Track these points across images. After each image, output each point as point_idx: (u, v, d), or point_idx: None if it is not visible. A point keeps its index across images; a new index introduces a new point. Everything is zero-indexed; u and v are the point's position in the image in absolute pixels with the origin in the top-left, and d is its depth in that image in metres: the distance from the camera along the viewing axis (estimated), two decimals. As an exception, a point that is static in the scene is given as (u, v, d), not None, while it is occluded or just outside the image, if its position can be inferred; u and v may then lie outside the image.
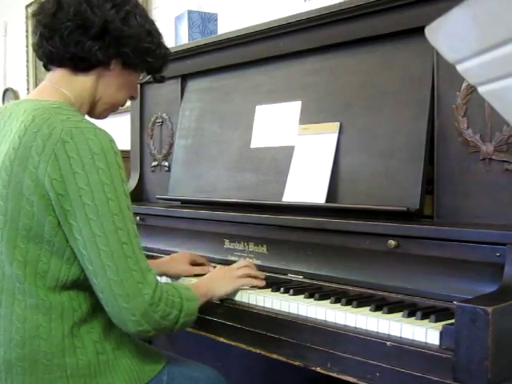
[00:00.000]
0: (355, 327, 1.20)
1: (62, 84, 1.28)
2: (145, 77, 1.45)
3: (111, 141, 1.15)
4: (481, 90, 0.60)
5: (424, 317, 1.17)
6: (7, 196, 1.14)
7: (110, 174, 1.11)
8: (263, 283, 1.47)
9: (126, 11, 1.28)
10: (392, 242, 1.35)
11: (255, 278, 1.48)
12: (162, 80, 1.48)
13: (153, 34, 1.34)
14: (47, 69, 1.34)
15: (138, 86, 2.06)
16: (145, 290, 1.11)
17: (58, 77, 1.29)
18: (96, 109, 1.34)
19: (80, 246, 1.11)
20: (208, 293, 1.35)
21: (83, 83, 1.29)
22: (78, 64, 1.27)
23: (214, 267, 1.61)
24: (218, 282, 1.41)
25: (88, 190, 1.09)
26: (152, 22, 1.36)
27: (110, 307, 1.12)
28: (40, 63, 1.36)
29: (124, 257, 1.10)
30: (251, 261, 1.63)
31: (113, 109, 1.39)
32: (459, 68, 0.59)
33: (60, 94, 1.26)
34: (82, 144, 1.10)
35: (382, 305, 1.26)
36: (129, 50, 1.28)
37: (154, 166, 2.33)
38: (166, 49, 1.40)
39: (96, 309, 1.20)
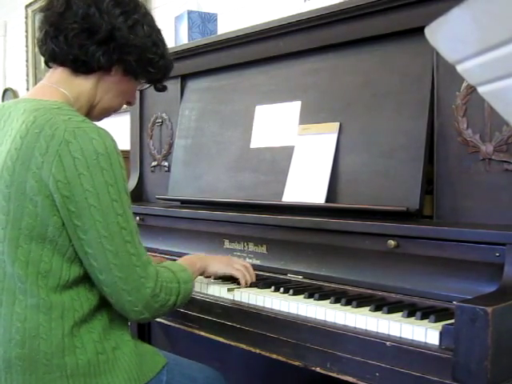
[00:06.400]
0: (355, 327, 1.20)
1: (61, 84, 1.28)
2: (144, 85, 1.45)
3: (113, 141, 1.16)
4: (481, 90, 0.60)
5: (424, 317, 1.17)
6: (10, 196, 1.14)
7: (113, 174, 1.13)
8: (252, 280, 1.50)
9: (134, 20, 1.28)
10: (392, 242, 1.35)
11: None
12: (163, 89, 1.48)
13: (158, 44, 1.34)
14: (48, 66, 1.34)
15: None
16: (147, 283, 1.17)
17: (57, 76, 1.29)
18: (93, 113, 1.34)
19: (85, 245, 1.13)
20: (201, 268, 1.42)
21: (83, 85, 1.29)
22: (80, 67, 1.27)
23: None
24: (215, 261, 1.47)
25: (94, 191, 1.11)
26: (159, 32, 1.37)
27: (115, 300, 1.17)
28: (40, 63, 1.37)
29: (128, 255, 1.15)
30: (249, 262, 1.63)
31: (108, 113, 1.39)
32: (459, 68, 0.59)
33: (59, 94, 1.26)
34: (86, 144, 1.11)
35: (381, 305, 1.26)
36: (132, 58, 1.29)
37: (154, 166, 2.33)
38: (169, 60, 1.40)
39: (97, 309, 1.20)
